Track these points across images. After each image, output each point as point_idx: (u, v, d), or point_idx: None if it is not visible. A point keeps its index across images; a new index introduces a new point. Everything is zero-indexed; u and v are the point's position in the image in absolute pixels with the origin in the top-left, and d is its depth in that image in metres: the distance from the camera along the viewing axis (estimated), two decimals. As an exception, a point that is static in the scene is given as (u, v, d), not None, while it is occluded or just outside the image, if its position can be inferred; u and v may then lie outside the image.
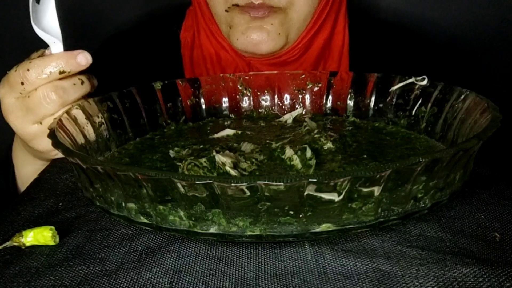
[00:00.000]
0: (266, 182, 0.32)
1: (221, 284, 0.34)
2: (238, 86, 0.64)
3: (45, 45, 0.53)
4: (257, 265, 0.35)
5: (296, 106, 0.63)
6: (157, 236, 0.40)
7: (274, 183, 0.32)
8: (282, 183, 0.32)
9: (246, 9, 0.65)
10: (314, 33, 0.71)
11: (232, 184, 0.32)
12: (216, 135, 0.56)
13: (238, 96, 0.64)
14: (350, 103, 0.60)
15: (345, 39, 0.75)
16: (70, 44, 0.82)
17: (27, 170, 0.61)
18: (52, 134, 0.42)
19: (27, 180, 0.54)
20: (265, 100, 0.64)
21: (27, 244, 0.39)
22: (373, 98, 0.58)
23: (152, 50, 0.78)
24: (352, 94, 0.60)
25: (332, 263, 0.35)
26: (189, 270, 0.35)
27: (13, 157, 0.63)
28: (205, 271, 0.35)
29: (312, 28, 0.70)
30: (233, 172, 0.43)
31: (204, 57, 0.75)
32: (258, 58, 0.71)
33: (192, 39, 0.77)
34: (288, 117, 0.61)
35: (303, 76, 0.63)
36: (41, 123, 0.52)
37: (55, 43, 0.51)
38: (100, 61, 0.81)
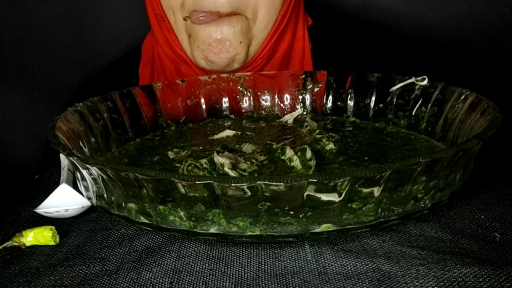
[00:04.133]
0: (266, 182, 0.32)
1: (221, 284, 0.34)
2: (238, 87, 0.64)
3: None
4: (257, 265, 0.35)
5: (297, 106, 0.63)
6: (157, 236, 0.40)
7: (274, 183, 0.32)
8: (282, 183, 0.32)
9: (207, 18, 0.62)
10: (276, 41, 0.68)
11: (232, 185, 0.32)
12: (216, 136, 0.56)
13: (238, 97, 0.64)
14: (350, 103, 0.60)
15: (305, 44, 0.72)
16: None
17: None
18: (52, 134, 0.42)
19: None
20: (265, 101, 0.64)
21: (27, 244, 0.39)
22: (373, 98, 0.59)
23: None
24: (352, 94, 0.60)
25: (332, 263, 0.35)
26: (189, 270, 0.35)
27: None
28: (205, 271, 0.35)
29: (273, 36, 0.67)
30: (231, 173, 0.43)
31: (166, 77, 0.72)
32: (218, 72, 0.67)
33: (151, 73, 0.74)
34: (289, 118, 0.61)
35: (303, 76, 0.63)
36: None
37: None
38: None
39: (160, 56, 0.73)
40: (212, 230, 0.35)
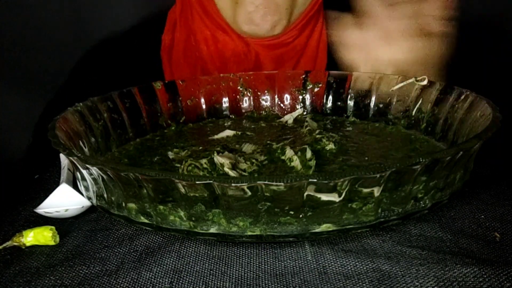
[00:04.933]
0: (266, 182, 0.32)
1: (221, 284, 0.34)
2: (238, 87, 0.64)
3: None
4: (257, 265, 0.35)
5: (297, 106, 0.63)
6: (157, 236, 0.40)
7: (274, 183, 0.32)
8: (282, 183, 0.32)
9: None
10: (310, 17, 0.71)
11: (232, 185, 0.32)
12: (216, 136, 0.56)
13: (238, 96, 0.64)
14: (350, 103, 0.60)
15: (322, 36, 0.75)
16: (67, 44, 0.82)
17: None
18: (52, 134, 0.42)
19: None
20: (265, 100, 0.64)
21: (27, 244, 0.39)
22: (373, 98, 0.58)
23: (136, 55, 0.78)
24: (352, 94, 0.60)
25: (332, 263, 0.35)
26: (189, 270, 0.35)
27: None
28: (205, 271, 0.35)
29: (309, 13, 0.70)
30: (231, 173, 0.43)
31: (198, 43, 0.74)
32: (256, 39, 0.70)
33: (171, 41, 0.77)
34: (289, 118, 0.61)
35: (303, 76, 0.63)
36: None
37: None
38: (88, 68, 0.82)
39: (195, 23, 0.74)
40: (212, 230, 0.35)
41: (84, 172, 0.39)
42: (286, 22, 0.68)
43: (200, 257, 0.37)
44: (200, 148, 0.51)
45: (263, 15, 0.66)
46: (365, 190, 0.34)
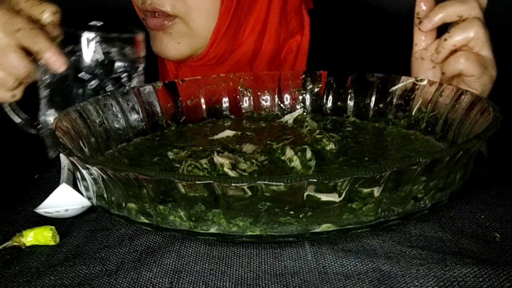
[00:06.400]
0: (266, 182, 0.32)
1: (221, 284, 0.34)
2: (238, 87, 0.64)
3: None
4: (257, 265, 0.35)
5: (297, 106, 0.63)
6: (157, 236, 0.40)
7: (274, 183, 0.32)
8: (282, 183, 0.32)
9: (148, 19, 0.67)
10: (229, 36, 0.70)
11: (233, 185, 0.32)
12: (216, 136, 0.56)
13: (238, 97, 0.64)
14: (350, 103, 0.60)
15: (302, 40, 0.75)
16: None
17: None
18: (52, 134, 0.42)
19: None
20: (265, 101, 0.64)
21: (27, 244, 0.39)
22: (373, 98, 0.58)
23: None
24: (352, 94, 0.60)
25: (332, 263, 0.35)
26: (189, 270, 0.35)
27: None
28: (205, 271, 0.35)
29: (218, 32, 0.69)
30: (231, 173, 0.43)
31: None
32: (182, 60, 0.73)
33: None
34: (289, 118, 0.61)
35: (303, 76, 0.63)
36: None
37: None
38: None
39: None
40: (212, 230, 0.35)
41: (84, 172, 0.39)
42: (187, 49, 0.69)
43: (200, 257, 0.37)
44: (200, 148, 0.51)
45: (159, 51, 0.69)
46: (365, 190, 0.34)
